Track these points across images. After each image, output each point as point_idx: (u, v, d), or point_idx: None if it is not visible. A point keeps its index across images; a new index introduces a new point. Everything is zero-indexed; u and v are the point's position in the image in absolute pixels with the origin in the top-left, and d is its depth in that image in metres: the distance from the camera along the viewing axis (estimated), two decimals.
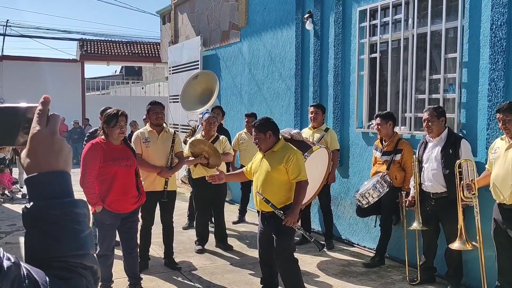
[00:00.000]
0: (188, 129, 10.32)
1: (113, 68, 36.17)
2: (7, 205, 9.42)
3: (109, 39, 23.01)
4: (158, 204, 5.44)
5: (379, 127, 5.45)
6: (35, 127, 0.96)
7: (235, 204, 8.50)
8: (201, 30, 10.73)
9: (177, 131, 10.27)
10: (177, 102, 11.75)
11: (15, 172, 11.08)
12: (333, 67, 6.77)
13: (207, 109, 7.78)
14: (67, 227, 0.92)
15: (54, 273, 0.88)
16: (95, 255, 0.97)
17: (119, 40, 23.06)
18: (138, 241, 5.39)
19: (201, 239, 6.21)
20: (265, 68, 8.44)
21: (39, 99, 1.00)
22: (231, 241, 6.49)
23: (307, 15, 7.10)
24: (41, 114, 0.97)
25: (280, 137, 4.42)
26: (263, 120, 4.37)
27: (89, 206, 4.28)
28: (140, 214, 5.36)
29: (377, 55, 6.16)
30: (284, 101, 7.92)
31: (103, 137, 4.34)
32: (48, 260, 0.90)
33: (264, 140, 4.27)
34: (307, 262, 5.74)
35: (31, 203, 0.92)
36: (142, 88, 25.50)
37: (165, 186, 5.31)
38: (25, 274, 0.84)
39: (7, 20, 28.20)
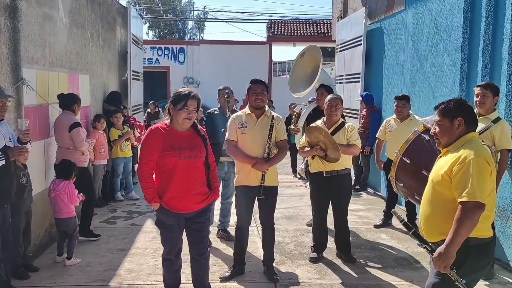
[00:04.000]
0: (355, 112, 9.20)
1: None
2: None
3: (296, 19, 22.70)
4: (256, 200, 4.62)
5: None
6: None
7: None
8: (368, 0, 9.42)
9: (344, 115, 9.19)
10: (341, 83, 10.66)
11: None
12: (510, 34, 5.00)
13: (314, 86, 6.65)
14: None
15: None
16: None
17: (305, 20, 22.55)
18: (233, 244, 4.73)
19: (318, 245, 5.20)
20: (429, 40, 6.85)
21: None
22: (357, 251, 5.35)
23: None
24: None
25: (474, 131, 2.93)
26: (454, 102, 2.93)
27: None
28: (236, 211, 4.66)
29: None
30: (449, 80, 6.28)
31: (167, 121, 3.67)
32: None
33: (448, 130, 2.90)
34: None
35: None
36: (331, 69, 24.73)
37: (262, 181, 4.44)
38: None
39: (205, 6, 30.30)
